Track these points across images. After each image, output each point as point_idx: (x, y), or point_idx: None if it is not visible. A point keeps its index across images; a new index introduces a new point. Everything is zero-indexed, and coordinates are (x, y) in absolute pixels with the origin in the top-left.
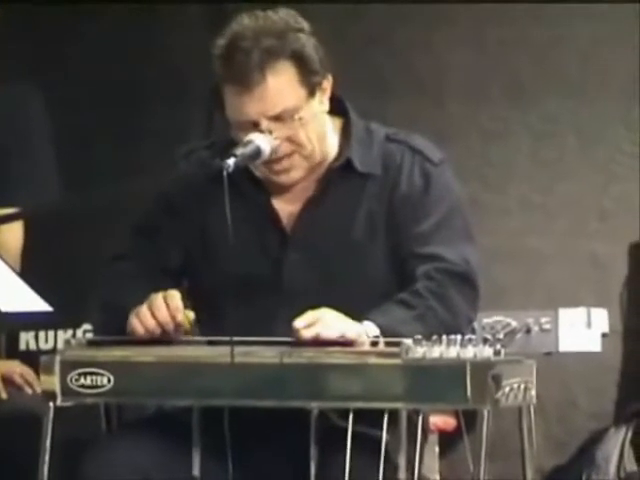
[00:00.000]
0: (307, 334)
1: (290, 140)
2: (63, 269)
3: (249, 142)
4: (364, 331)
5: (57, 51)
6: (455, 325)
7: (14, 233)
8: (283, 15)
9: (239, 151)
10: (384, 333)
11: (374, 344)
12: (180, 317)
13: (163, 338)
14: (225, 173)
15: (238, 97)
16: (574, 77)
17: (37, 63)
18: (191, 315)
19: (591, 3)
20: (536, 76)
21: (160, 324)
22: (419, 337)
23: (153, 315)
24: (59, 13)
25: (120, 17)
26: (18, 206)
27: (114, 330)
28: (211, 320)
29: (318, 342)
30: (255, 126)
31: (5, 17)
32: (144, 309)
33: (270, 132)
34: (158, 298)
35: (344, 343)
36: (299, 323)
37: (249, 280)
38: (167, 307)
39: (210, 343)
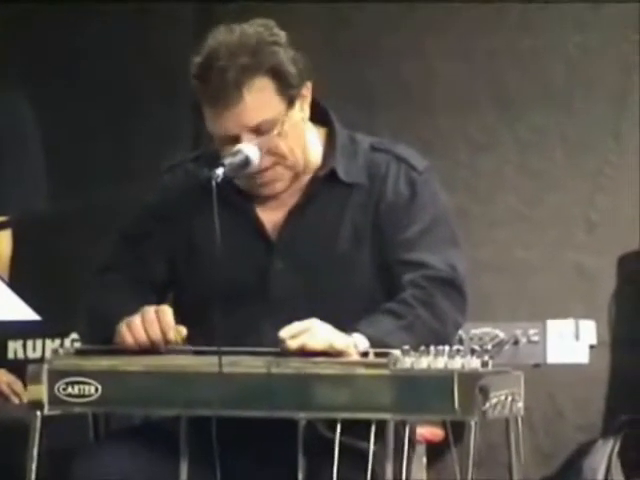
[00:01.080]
0: (293, 345)
1: (271, 152)
2: (51, 278)
3: (238, 152)
4: (353, 343)
5: (47, 54)
6: (444, 332)
7: (3, 242)
8: (259, 28)
9: (227, 161)
10: (373, 344)
11: (364, 355)
12: (171, 334)
13: (151, 350)
14: (214, 183)
15: (217, 115)
16: (561, 88)
17: (26, 66)
18: (183, 331)
19: (578, 13)
20: (523, 87)
21: (150, 338)
22: (407, 348)
23: (145, 329)
24: (50, 16)
25: (113, 19)
26: (7, 214)
27: (100, 341)
28: (197, 329)
29: (305, 353)
30: (236, 140)
31: None
32: (136, 321)
33: None
34: (150, 312)
35: (331, 354)
36: (285, 333)
37: (235, 289)
38: (159, 322)
39: (197, 353)
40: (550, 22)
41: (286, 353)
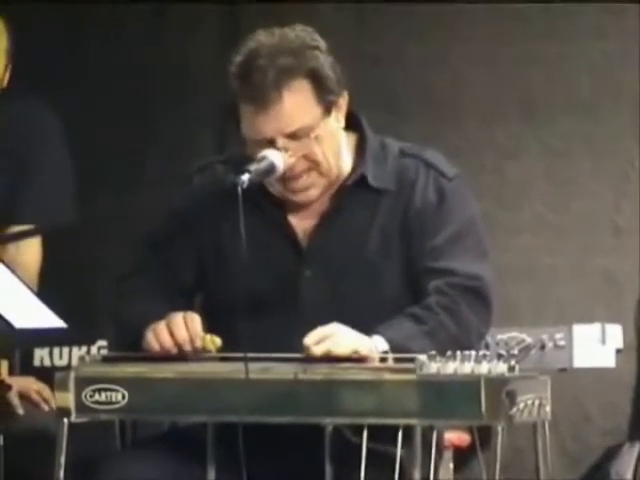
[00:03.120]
0: (317, 351)
1: (306, 158)
2: (78, 285)
3: (263, 158)
4: (374, 345)
5: (63, 63)
6: (466, 341)
7: (32, 250)
8: (299, 33)
9: (253, 167)
10: (393, 348)
11: (382, 360)
12: (198, 342)
13: (179, 356)
14: (239, 189)
15: (254, 115)
16: (586, 95)
17: (43, 72)
18: (218, 341)
19: (603, 21)
20: (549, 94)
21: (177, 343)
22: (433, 353)
23: (171, 333)
24: (67, 20)
25: (130, 28)
26: (35, 223)
27: (127, 347)
28: (225, 335)
29: (330, 359)
30: (271, 144)
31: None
32: (162, 326)
33: (286, 150)
34: (178, 317)
35: (356, 359)
36: (309, 340)
37: (264, 295)
38: (186, 328)
39: (224, 359)
40: (575, 30)
41: (311, 359)
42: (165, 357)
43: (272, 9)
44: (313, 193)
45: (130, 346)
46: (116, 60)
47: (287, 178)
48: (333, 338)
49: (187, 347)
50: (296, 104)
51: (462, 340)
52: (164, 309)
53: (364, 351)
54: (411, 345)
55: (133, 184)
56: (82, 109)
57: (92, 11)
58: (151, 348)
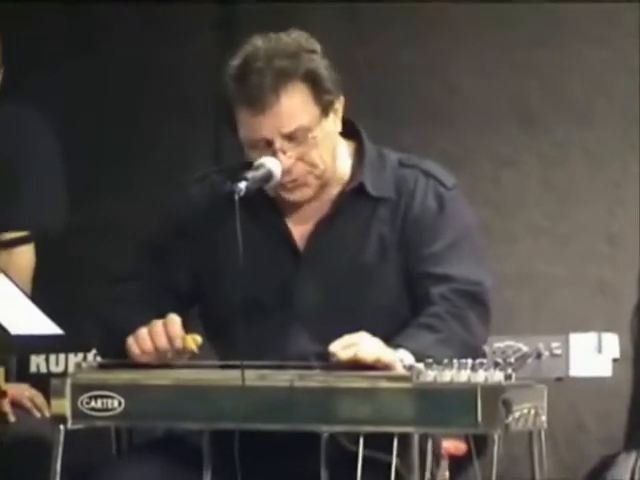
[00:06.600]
0: (344, 355)
1: (303, 160)
2: (74, 292)
3: (260, 165)
4: (399, 358)
5: (59, 66)
6: (474, 345)
7: (25, 256)
8: (295, 36)
9: (250, 174)
10: (416, 359)
11: (410, 370)
12: (178, 343)
13: (161, 362)
14: (236, 197)
15: (252, 118)
16: (582, 102)
17: (41, 80)
18: (198, 339)
19: (598, 28)
20: (545, 102)
21: (157, 347)
22: (446, 361)
23: (151, 339)
24: (69, 27)
25: (127, 31)
26: (28, 229)
27: (113, 352)
28: (223, 342)
29: (354, 366)
30: (269, 145)
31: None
32: (143, 332)
33: (284, 151)
34: (158, 323)
35: (379, 367)
36: (335, 346)
37: (261, 300)
38: (166, 332)
39: (221, 366)
40: (570, 37)
41: (338, 366)
42: (149, 365)
43: (271, 11)
44: (307, 192)
45: (115, 351)
46: (112, 63)
47: (283, 179)
48: (359, 345)
49: (167, 352)
50: (294, 106)
51: (471, 345)
52: (154, 314)
53: (387, 360)
54: (432, 355)
55: (129, 189)
56: (77, 112)
57: (88, 12)
58: (132, 353)
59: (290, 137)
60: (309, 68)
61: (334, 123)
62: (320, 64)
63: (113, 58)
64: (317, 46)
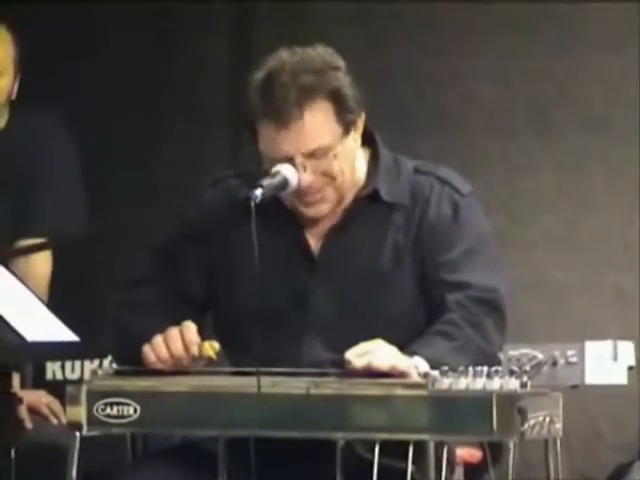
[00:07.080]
0: (359, 363)
1: (323, 174)
2: (90, 299)
3: (276, 173)
4: (414, 365)
5: (72, 72)
6: (491, 352)
7: (42, 263)
8: (321, 52)
9: (266, 182)
10: (432, 367)
11: (425, 377)
12: (194, 350)
13: (177, 369)
14: (252, 204)
15: (274, 132)
16: (599, 110)
17: (56, 84)
18: (216, 345)
19: (616, 36)
20: (562, 109)
21: (172, 355)
22: (462, 368)
23: (167, 346)
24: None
25: (139, 38)
26: (45, 236)
27: (128, 359)
28: (237, 348)
29: (369, 373)
30: (289, 161)
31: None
32: (159, 339)
33: (304, 168)
34: (173, 329)
35: (395, 375)
36: (350, 354)
37: (275, 307)
38: (182, 338)
39: (236, 373)
40: (588, 45)
41: (352, 373)
42: (170, 371)
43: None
44: (324, 208)
45: (130, 359)
46: (125, 66)
47: (302, 192)
48: (374, 353)
49: (183, 360)
50: (317, 123)
51: (488, 352)
52: (169, 321)
53: (403, 367)
54: (448, 362)
55: (145, 195)
56: (92, 118)
57: (102, 15)
58: (148, 360)
59: (311, 155)
60: (334, 86)
61: (354, 140)
62: (344, 82)
63: (127, 61)
64: (341, 63)
